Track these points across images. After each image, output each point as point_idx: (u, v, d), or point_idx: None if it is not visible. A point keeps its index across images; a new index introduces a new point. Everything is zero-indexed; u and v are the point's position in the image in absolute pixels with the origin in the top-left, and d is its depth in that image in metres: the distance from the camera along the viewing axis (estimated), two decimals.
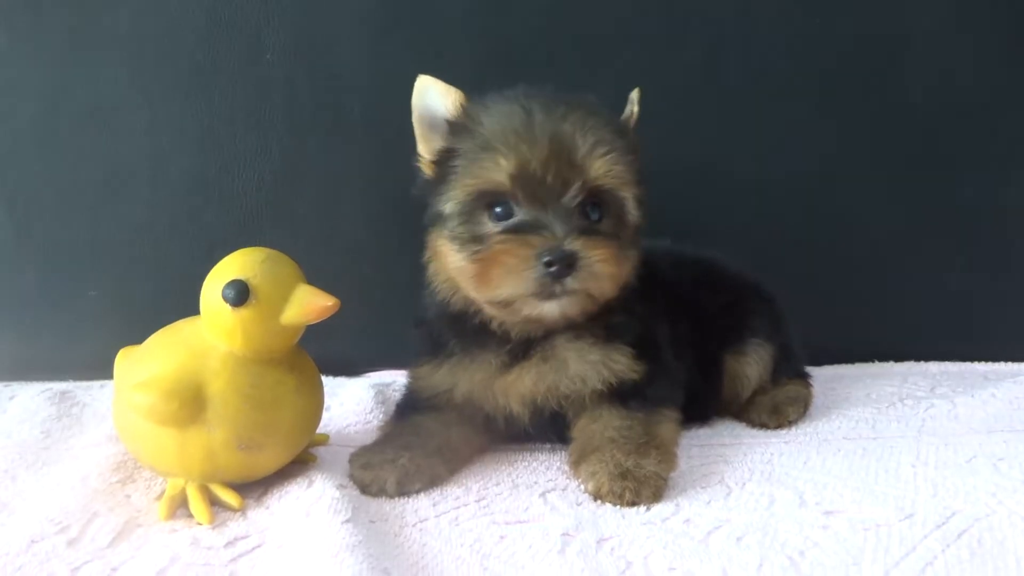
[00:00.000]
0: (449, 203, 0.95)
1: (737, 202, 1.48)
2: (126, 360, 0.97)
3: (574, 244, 0.90)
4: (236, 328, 0.88)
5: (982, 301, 1.53)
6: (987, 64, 1.49)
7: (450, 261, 0.97)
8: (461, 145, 0.96)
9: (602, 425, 0.98)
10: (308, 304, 0.90)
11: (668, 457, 0.96)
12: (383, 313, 1.41)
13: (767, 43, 1.46)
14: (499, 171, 0.92)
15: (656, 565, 0.77)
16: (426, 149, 1.00)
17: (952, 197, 1.51)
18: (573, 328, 0.99)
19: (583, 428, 1.00)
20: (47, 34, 1.38)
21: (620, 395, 1.00)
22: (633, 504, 0.89)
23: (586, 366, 0.99)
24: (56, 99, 1.39)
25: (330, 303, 0.90)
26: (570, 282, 0.90)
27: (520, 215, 0.93)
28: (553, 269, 0.89)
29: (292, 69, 1.41)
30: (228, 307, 0.88)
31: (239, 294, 0.87)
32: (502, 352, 1.00)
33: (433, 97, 0.99)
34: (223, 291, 0.88)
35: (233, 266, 0.90)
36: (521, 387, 1.00)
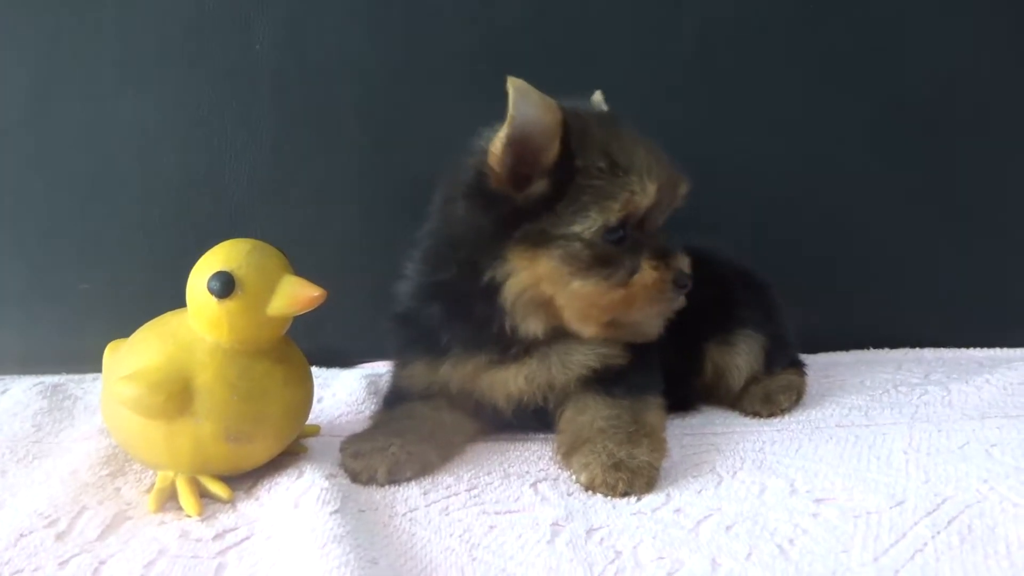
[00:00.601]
0: (583, 222, 0.91)
1: (731, 190, 1.46)
2: (114, 353, 0.96)
3: (685, 263, 0.97)
4: (222, 320, 0.88)
5: (977, 287, 1.53)
6: (986, 48, 1.48)
7: (566, 284, 0.93)
8: (588, 165, 0.92)
9: (591, 416, 0.98)
10: (294, 295, 0.89)
11: (659, 445, 0.95)
12: (375, 305, 1.40)
13: (760, 31, 1.45)
14: (645, 197, 0.93)
15: (645, 555, 0.77)
16: (506, 155, 0.91)
17: (947, 184, 1.50)
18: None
19: (571, 420, 0.99)
20: (35, 27, 1.38)
21: (604, 383, 0.99)
22: (626, 495, 0.89)
23: (576, 356, 0.99)
24: (44, 92, 1.39)
25: (316, 293, 0.90)
26: (680, 300, 0.97)
27: (631, 238, 0.94)
28: (683, 291, 0.96)
29: (282, 60, 1.41)
30: (214, 299, 0.87)
31: (224, 286, 0.87)
32: (497, 350, 0.99)
33: (534, 106, 0.89)
34: (208, 283, 0.87)
35: (218, 258, 0.90)
36: (511, 386, 1.00)
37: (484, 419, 1.04)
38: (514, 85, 0.87)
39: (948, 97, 1.48)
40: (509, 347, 0.99)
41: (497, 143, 0.91)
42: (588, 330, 0.97)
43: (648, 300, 0.95)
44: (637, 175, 0.92)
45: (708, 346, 1.20)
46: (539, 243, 0.92)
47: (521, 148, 0.90)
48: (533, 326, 0.97)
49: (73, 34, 1.38)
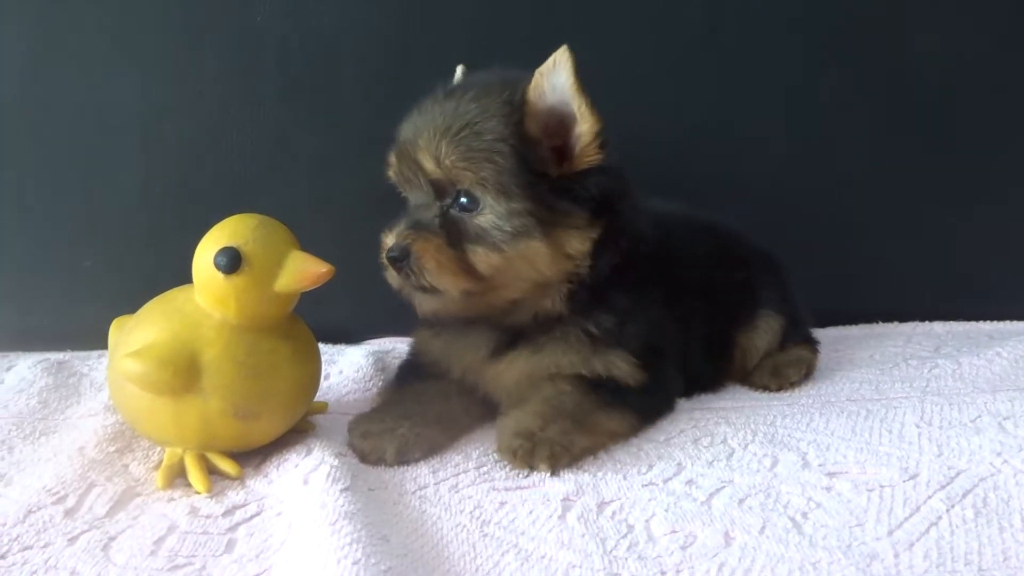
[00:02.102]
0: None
1: (739, 163, 1.46)
2: (120, 330, 0.96)
3: (406, 238, 0.92)
4: (229, 296, 0.87)
5: (987, 260, 1.52)
6: (994, 20, 1.45)
7: None
8: None
9: (550, 386, 0.95)
10: (302, 271, 0.88)
11: (588, 437, 0.91)
12: (381, 280, 1.38)
13: (766, 2, 1.42)
14: (389, 165, 0.98)
15: (657, 528, 0.77)
16: None
17: (957, 157, 1.49)
18: (560, 322, 0.97)
19: (535, 386, 0.97)
20: (34, 1, 1.35)
21: (594, 382, 0.96)
22: (530, 467, 0.87)
23: (578, 362, 0.97)
24: (44, 66, 1.37)
25: (324, 269, 0.88)
26: (414, 277, 0.92)
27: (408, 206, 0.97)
28: (396, 264, 0.92)
29: (284, 33, 1.38)
30: (220, 275, 0.86)
31: (231, 261, 0.86)
32: (493, 336, 0.99)
33: None
34: (215, 258, 0.86)
35: (225, 233, 0.88)
36: (508, 379, 0.99)
37: (491, 408, 1.02)
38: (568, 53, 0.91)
39: (957, 68, 1.46)
40: (493, 328, 0.99)
41: None
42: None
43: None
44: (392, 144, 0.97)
45: (736, 334, 1.18)
46: None
47: None
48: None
49: (73, 7, 1.36)
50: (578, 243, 0.94)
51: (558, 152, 0.93)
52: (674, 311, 1.04)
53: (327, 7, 1.38)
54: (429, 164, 0.92)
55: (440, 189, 0.93)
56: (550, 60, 0.90)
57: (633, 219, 0.99)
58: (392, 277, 0.95)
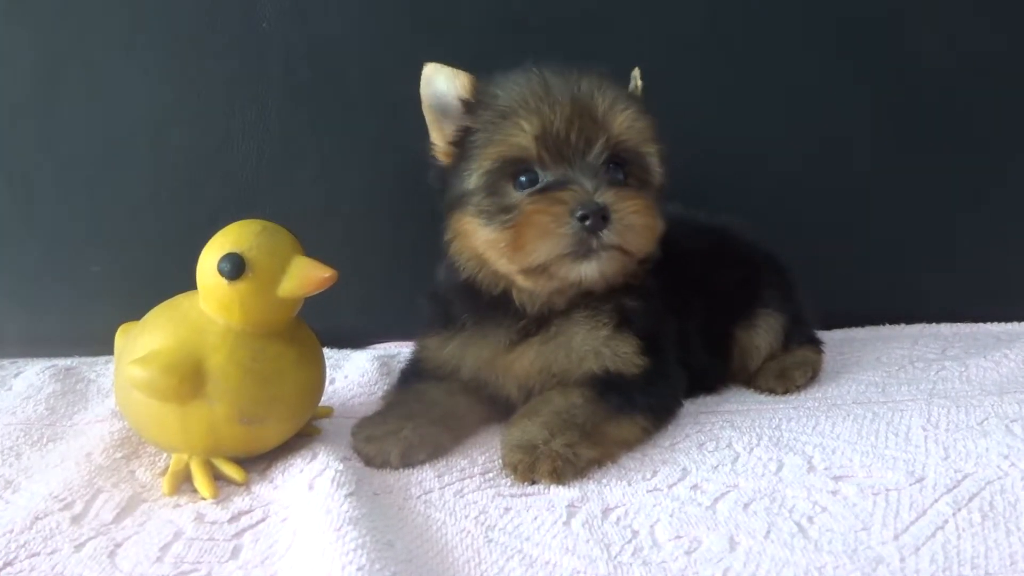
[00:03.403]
0: (472, 177, 0.94)
1: (745, 163, 1.45)
2: (125, 336, 0.96)
3: (606, 196, 0.89)
4: (233, 302, 0.87)
5: (993, 262, 1.51)
6: (1005, 18, 1.45)
7: (479, 236, 0.94)
8: (478, 122, 0.94)
9: (560, 396, 0.95)
10: (306, 276, 0.88)
11: (597, 449, 0.90)
12: (386, 284, 1.40)
13: (774, 3, 1.42)
14: (523, 135, 0.91)
15: (662, 534, 0.76)
16: (440, 136, 0.98)
17: (964, 159, 1.48)
18: (588, 307, 0.98)
19: (545, 395, 0.98)
20: (41, 7, 1.36)
21: (603, 386, 0.96)
22: (532, 481, 0.86)
23: (588, 348, 0.97)
24: (52, 72, 1.38)
25: (328, 274, 0.89)
26: (606, 236, 0.89)
27: (546, 179, 0.92)
28: (588, 223, 0.87)
29: (290, 38, 1.39)
30: (224, 281, 0.87)
31: (235, 267, 0.86)
32: (513, 330, 0.99)
33: (442, 82, 0.97)
34: (219, 265, 0.87)
35: (228, 239, 0.89)
36: (519, 368, 0.99)
37: (497, 407, 1.03)
38: (425, 70, 0.97)
39: (964, 69, 1.45)
40: (518, 320, 0.98)
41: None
42: (518, 279, 0.95)
43: (537, 235, 0.89)
44: (514, 117, 0.92)
45: (735, 330, 1.18)
46: (457, 205, 0.97)
47: (443, 125, 0.97)
48: (485, 279, 0.98)
49: (81, 14, 1.36)
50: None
51: None
52: (670, 303, 1.05)
53: (333, 13, 1.39)
54: (620, 126, 0.92)
55: (619, 153, 0.94)
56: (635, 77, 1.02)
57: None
58: (557, 239, 0.88)
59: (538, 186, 0.92)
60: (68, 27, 1.37)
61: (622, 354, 0.97)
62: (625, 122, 0.92)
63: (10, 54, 1.37)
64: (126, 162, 1.40)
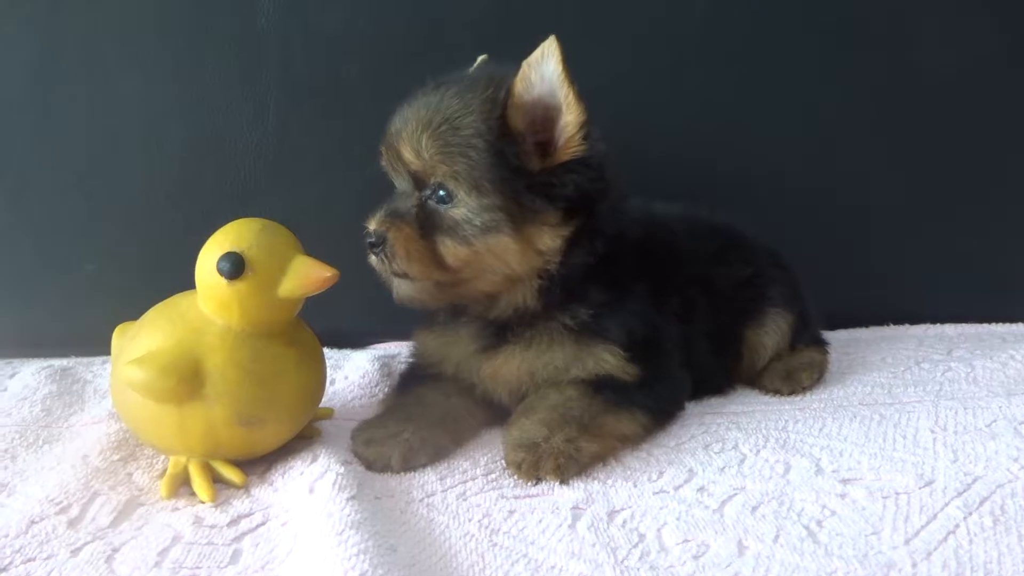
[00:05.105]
0: None
1: (747, 163, 1.44)
2: (122, 336, 0.94)
3: (382, 225, 0.93)
4: (233, 302, 0.86)
5: (998, 261, 1.50)
6: (1008, 20, 1.44)
7: None
8: None
9: (555, 392, 0.95)
10: (306, 275, 0.87)
11: (597, 444, 0.90)
12: (384, 284, 1.38)
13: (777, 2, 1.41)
14: (380, 155, 0.98)
15: (669, 537, 0.75)
16: None
17: (969, 158, 1.47)
18: (538, 317, 0.97)
19: (540, 392, 0.97)
20: (37, 3, 1.34)
21: (598, 383, 0.95)
22: (536, 479, 0.86)
23: (570, 358, 0.96)
24: (47, 68, 1.36)
25: (329, 274, 0.87)
26: (388, 262, 0.93)
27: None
28: (376, 250, 0.94)
29: (287, 32, 1.37)
30: (224, 280, 0.85)
31: (234, 267, 0.85)
32: (482, 333, 0.99)
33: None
34: (218, 264, 0.85)
35: (228, 238, 0.87)
36: (507, 374, 0.98)
37: (495, 410, 1.02)
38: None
39: (969, 69, 1.44)
40: (478, 322, 0.99)
41: None
42: None
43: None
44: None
45: (743, 330, 1.17)
46: None
47: None
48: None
49: (75, 9, 1.34)
50: (549, 240, 0.94)
51: (542, 147, 0.93)
52: (667, 306, 1.03)
53: (332, 8, 1.37)
54: (409, 155, 0.94)
55: (419, 180, 0.95)
56: (538, 51, 0.89)
57: (612, 220, 0.98)
58: (373, 260, 0.96)
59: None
60: (64, 23, 1.35)
61: (607, 361, 0.96)
62: (414, 153, 0.93)
63: (5, 50, 1.35)
64: (122, 159, 1.38)
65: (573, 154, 0.92)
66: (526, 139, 0.92)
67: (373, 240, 0.94)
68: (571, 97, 0.89)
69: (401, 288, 0.97)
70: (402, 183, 0.97)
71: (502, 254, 0.93)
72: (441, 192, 0.93)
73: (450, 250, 0.93)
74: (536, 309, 0.97)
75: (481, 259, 0.93)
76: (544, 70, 0.89)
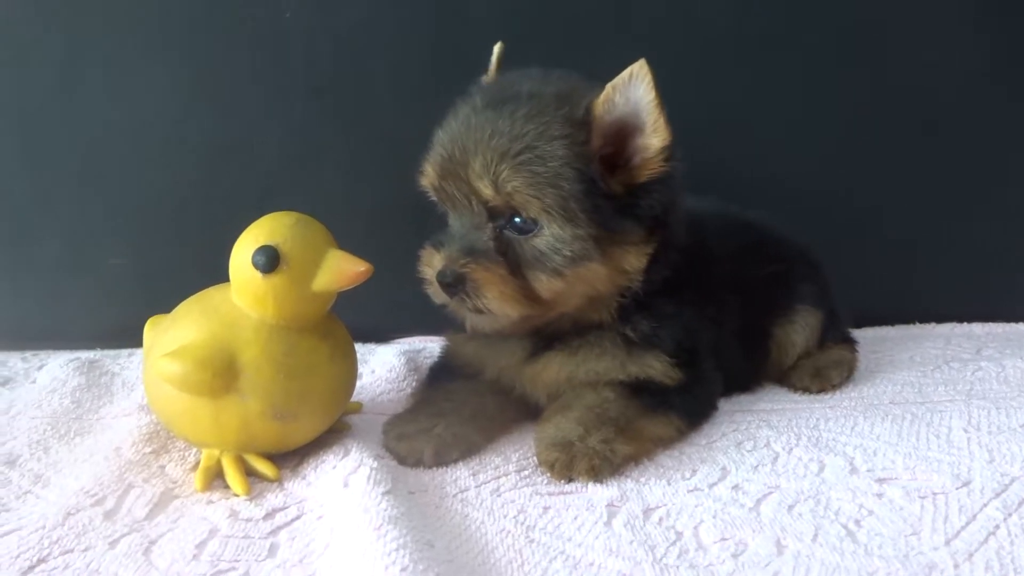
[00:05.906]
0: None
1: (770, 162, 1.43)
2: (155, 329, 0.95)
3: (463, 266, 0.89)
4: (267, 296, 0.86)
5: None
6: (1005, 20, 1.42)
7: None
8: None
9: (592, 392, 0.94)
10: (341, 270, 0.87)
11: (631, 445, 0.89)
12: (410, 279, 1.37)
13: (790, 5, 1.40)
14: (425, 177, 0.94)
15: (707, 535, 0.75)
16: None
17: (995, 155, 1.45)
18: (598, 327, 0.96)
19: (575, 390, 0.96)
20: (61, 3, 1.34)
21: (636, 386, 0.94)
22: (569, 479, 0.85)
23: (613, 365, 0.95)
24: (74, 64, 1.36)
25: (362, 268, 0.87)
26: (471, 300, 0.89)
27: (450, 222, 0.94)
28: (451, 289, 0.89)
29: (312, 28, 1.37)
30: (259, 274, 0.85)
31: (270, 260, 0.85)
32: (527, 341, 0.98)
33: None
34: (253, 257, 0.85)
35: (263, 231, 0.87)
36: (547, 377, 0.97)
37: (528, 408, 1.01)
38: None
39: (989, 63, 1.42)
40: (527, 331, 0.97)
41: None
42: None
43: (427, 283, 0.94)
44: (432, 152, 0.94)
45: (772, 327, 1.16)
46: None
47: None
48: None
49: (103, 7, 1.34)
50: (634, 259, 0.92)
51: (607, 161, 0.89)
52: (706, 309, 1.02)
53: (355, 5, 1.36)
54: (487, 191, 0.88)
55: (496, 213, 0.90)
56: (626, 73, 0.86)
57: (680, 229, 0.97)
58: (438, 295, 0.92)
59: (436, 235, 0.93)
60: (90, 21, 1.35)
61: (653, 367, 0.95)
62: (492, 187, 0.88)
63: (31, 50, 1.35)
64: (147, 155, 1.39)
65: (652, 174, 0.89)
66: (597, 154, 0.89)
67: (450, 281, 0.89)
68: (661, 121, 0.87)
69: (482, 323, 0.93)
70: (465, 214, 0.92)
71: (592, 280, 0.91)
72: (519, 220, 0.89)
73: (544, 285, 0.89)
74: (608, 323, 0.95)
75: (572, 287, 0.91)
76: (631, 93, 0.86)
